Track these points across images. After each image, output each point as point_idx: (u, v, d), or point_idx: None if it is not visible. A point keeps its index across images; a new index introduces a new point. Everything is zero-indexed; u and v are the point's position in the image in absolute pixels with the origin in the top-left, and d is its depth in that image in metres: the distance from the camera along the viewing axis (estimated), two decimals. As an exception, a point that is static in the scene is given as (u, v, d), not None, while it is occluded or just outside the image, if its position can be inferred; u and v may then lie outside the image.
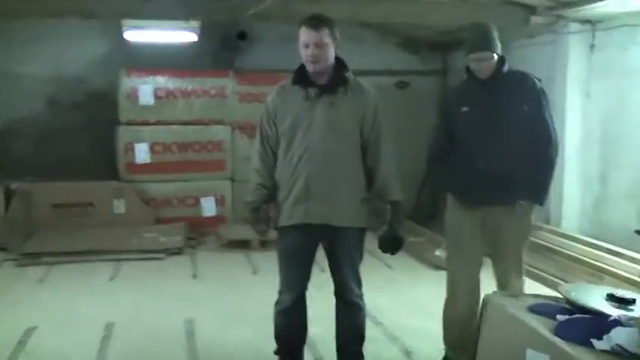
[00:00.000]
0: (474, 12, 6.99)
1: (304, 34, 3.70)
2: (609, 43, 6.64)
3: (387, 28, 9.47)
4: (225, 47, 9.42)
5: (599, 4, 5.98)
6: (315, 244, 3.92)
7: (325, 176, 3.76)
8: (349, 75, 3.83)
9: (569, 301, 3.25)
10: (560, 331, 2.95)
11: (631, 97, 6.38)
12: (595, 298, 3.22)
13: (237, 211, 8.46)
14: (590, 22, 6.80)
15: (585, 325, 2.94)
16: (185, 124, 8.46)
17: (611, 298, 3.21)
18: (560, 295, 3.47)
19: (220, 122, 8.60)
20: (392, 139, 3.91)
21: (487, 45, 3.94)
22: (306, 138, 3.76)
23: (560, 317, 3.08)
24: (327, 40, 3.71)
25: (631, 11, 6.05)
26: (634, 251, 5.89)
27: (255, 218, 3.98)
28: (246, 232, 7.55)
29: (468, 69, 4.08)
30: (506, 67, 4.04)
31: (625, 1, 5.75)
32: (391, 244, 3.90)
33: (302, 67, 3.82)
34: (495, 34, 3.99)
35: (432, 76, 10.20)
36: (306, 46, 3.71)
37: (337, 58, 3.81)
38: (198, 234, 8.10)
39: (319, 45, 3.69)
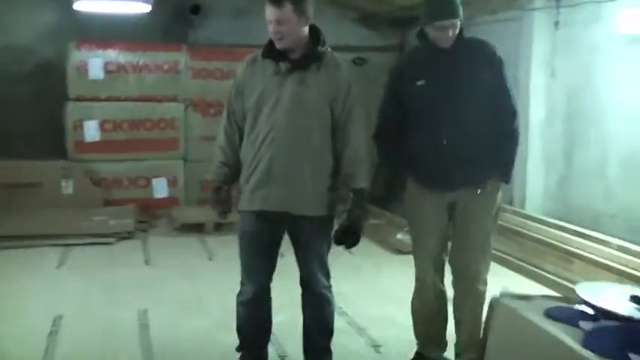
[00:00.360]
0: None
1: (266, 11, 3.46)
2: (574, 20, 6.46)
3: (346, 3, 9.22)
4: (178, 20, 9.11)
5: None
6: (278, 232, 3.68)
7: (289, 159, 3.52)
8: (324, 50, 3.58)
9: (589, 305, 2.98)
10: (591, 342, 2.66)
11: (596, 75, 6.22)
12: (618, 301, 2.95)
13: (191, 192, 8.19)
14: (555, -1, 6.64)
15: (618, 335, 2.67)
16: (136, 100, 8.08)
17: (636, 300, 2.96)
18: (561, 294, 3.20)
19: (173, 99, 8.25)
20: (364, 122, 3.64)
21: (454, 11, 3.64)
22: (272, 116, 3.52)
23: (583, 324, 2.83)
24: (291, 15, 3.44)
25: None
26: (601, 233, 5.77)
27: (215, 199, 3.77)
28: (200, 214, 7.41)
29: (422, 37, 3.76)
30: (462, 34, 3.72)
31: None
32: (346, 237, 3.59)
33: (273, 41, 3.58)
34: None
35: (390, 52, 10.00)
36: (269, 22, 3.47)
37: (314, 31, 3.57)
38: (149, 217, 7.79)
39: (281, 21, 3.44)
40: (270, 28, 3.46)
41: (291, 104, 3.50)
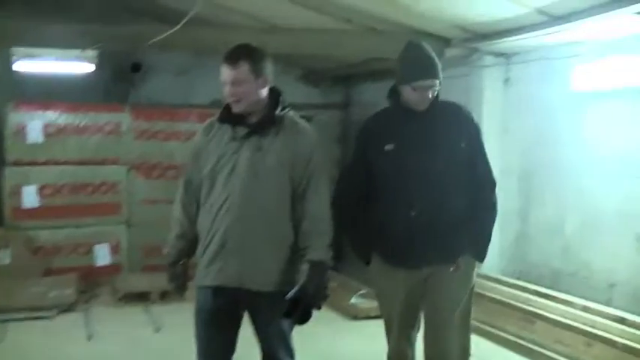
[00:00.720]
0: (385, 43, 6.71)
1: (221, 71, 3.27)
2: (524, 77, 6.44)
3: (289, 60, 9.10)
4: (118, 79, 8.86)
5: (515, 37, 5.74)
6: (237, 310, 3.40)
7: (245, 231, 3.27)
8: (283, 113, 3.36)
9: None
10: None
11: (550, 131, 6.16)
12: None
13: (134, 258, 7.84)
14: (505, 56, 6.60)
15: None
16: (77, 163, 7.75)
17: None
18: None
19: (115, 162, 7.94)
20: (327, 190, 3.41)
21: (434, 71, 3.41)
22: (228, 185, 3.29)
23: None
24: (247, 76, 3.25)
25: (547, 45, 5.83)
26: (560, 291, 5.65)
27: (171, 273, 3.52)
28: (144, 282, 7.08)
29: (392, 97, 3.53)
30: (438, 97, 3.49)
31: (541, 36, 5.51)
32: (295, 310, 3.22)
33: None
34: (438, 60, 3.49)
35: (333, 110, 9.94)
36: (225, 83, 3.27)
37: (274, 93, 3.37)
38: (91, 286, 7.37)
39: (237, 82, 3.24)
40: (226, 89, 3.27)
41: (246, 172, 3.27)
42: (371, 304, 5.86)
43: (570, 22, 5.04)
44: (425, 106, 3.44)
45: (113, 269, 7.73)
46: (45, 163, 7.62)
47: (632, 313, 5.10)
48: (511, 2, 5.16)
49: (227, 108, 3.36)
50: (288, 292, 3.26)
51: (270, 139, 3.31)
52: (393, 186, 3.48)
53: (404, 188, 3.45)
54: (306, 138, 3.39)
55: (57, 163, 7.66)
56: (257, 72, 3.27)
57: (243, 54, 3.28)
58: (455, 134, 3.48)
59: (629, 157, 5.40)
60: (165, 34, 5.96)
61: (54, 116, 7.71)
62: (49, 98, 7.83)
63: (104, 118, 7.90)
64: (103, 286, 7.41)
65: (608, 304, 5.38)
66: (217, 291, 3.31)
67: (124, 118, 7.99)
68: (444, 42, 6.62)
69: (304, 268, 3.31)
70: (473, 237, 3.52)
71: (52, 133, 7.67)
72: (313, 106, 9.76)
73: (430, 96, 3.42)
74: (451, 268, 3.47)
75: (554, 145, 6.11)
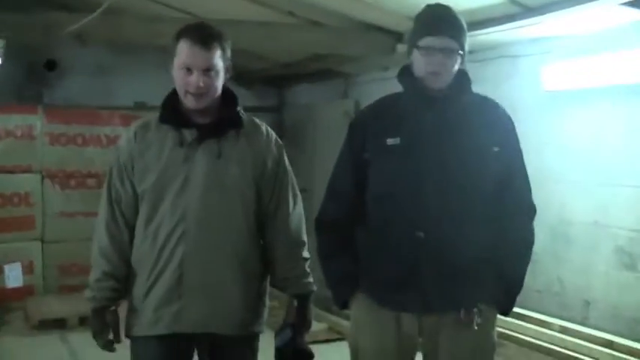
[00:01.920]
0: (330, 38, 6.17)
1: (187, 53, 2.57)
2: (490, 76, 5.85)
3: (219, 59, 8.42)
4: (30, 78, 8.02)
5: (482, 31, 5.17)
6: None
7: (208, 262, 2.61)
8: (242, 112, 2.73)
9: None
10: None
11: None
12: None
13: (49, 279, 7.04)
14: (469, 52, 6.05)
15: None
16: (-16, 171, 6.88)
17: None
18: None
19: (28, 169, 7.10)
20: (301, 204, 2.81)
21: (451, 29, 2.51)
22: (180, 202, 2.60)
23: None
24: (220, 63, 2.60)
25: (517, 40, 5.31)
26: (531, 311, 5.20)
27: (99, 325, 2.72)
28: (61, 306, 6.31)
29: (404, 76, 2.61)
30: (468, 85, 2.61)
31: (512, 29, 4.98)
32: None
33: (173, 99, 2.67)
34: (463, 24, 2.58)
35: (267, 113, 9.32)
36: (188, 69, 2.56)
37: (223, 88, 2.70)
38: (2, 311, 6.53)
39: (209, 70, 2.57)
40: (191, 78, 2.56)
41: (206, 185, 2.61)
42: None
43: (546, 14, 4.53)
44: (441, 81, 2.53)
45: (26, 291, 6.88)
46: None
47: (611, 333, 4.69)
48: (480, -11, 4.61)
49: (170, 104, 2.68)
50: (257, 333, 2.70)
51: (230, 144, 2.67)
52: (396, 195, 2.56)
53: (408, 199, 2.53)
54: (271, 142, 2.76)
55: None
56: (226, 59, 2.64)
57: (215, 35, 2.62)
58: (486, 134, 2.56)
59: (605, 163, 4.94)
60: (82, 22, 5.23)
61: (-44, 117, 6.82)
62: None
63: (15, 120, 7.07)
64: (15, 312, 6.59)
65: (583, 323, 4.94)
66: (169, 340, 2.61)
67: (37, 121, 7.16)
68: (396, 37, 6.05)
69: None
70: (498, 279, 2.59)
71: (-45, 137, 6.79)
72: (245, 108, 9.08)
73: (448, 66, 2.51)
74: (461, 314, 2.53)
75: (524, 151, 5.59)
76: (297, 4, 5.92)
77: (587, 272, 5.07)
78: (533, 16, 4.65)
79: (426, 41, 2.50)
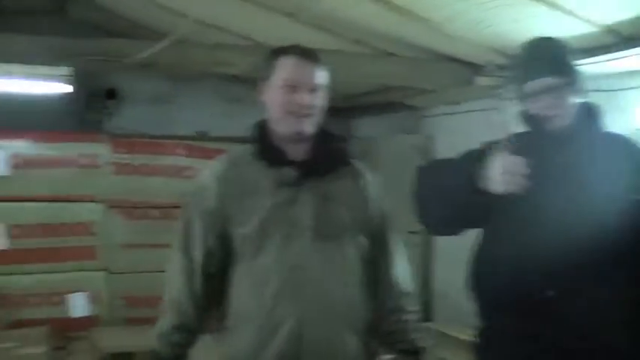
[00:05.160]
0: (403, 69, 6.06)
1: (293, 68, 2.37)
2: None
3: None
4: (90, 106, 8.00)
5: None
6: None
7: (327, 318, 2.35)
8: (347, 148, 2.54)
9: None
10: None
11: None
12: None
13: (116, 309, 6.87)
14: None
15: None
16: (48, 200, 6.75)
17: None
18: None
19: (91, 199, 6.94)
20: (403, 249, 2.60)
21: (553, 65, 2.31)
22: (290, 251, 2.33)
23: None
24: (324, 85, 2.41)
25: (609, 73, 5.06)
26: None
27: None
28: (128, 339, 6.10)
29: (526, 119, 2.42)
30: (596, 120, 2.41)
31: (606, 61, 4.78)
32: None
33: (265, 129, 2.44)
34: (569, 53, 2.41)
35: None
36: (293, 87, 2.35)
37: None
38: (66, 340, 6.38)
39: (316, 89, 2.36)
40: (296, 97, 2.33)
41: (316, 232, 2.35)
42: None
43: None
44: (556, 121, 2.33)
45: (91, 321, 6.72)
46: (11, 200, 6.63)
47: None
48: (575, 18, 4.42)
49: (263, 136, 2.42)
50: None
51: (335, 184, 2.42)
52: (513, 248, 2.27)
53: (531, 253, 2.21)
54: (374, 182, 2.54)
55: (25, 199, 6.68)
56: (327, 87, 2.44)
57: (319, 55, 2.44)
58: (620, 177, 2.24)
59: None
60: (150, 50, 5.24)
61: (22, 146, 6.73)
62: (15, 126, 6.81)
63: (79, 148, 6.91)
64: (80, 341, 6.43)
65: None
66: None
67: (102, 149, 7.02)
68: (473, 69, 5.92)
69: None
70: None
71: (20, 165, 6.68)
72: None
73: (561, 106, 2.32)
74: None
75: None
76: (366, 33, 5.79)
77: None
78: (632, 47, 4.50)
79: (528, 88, 2.35)
